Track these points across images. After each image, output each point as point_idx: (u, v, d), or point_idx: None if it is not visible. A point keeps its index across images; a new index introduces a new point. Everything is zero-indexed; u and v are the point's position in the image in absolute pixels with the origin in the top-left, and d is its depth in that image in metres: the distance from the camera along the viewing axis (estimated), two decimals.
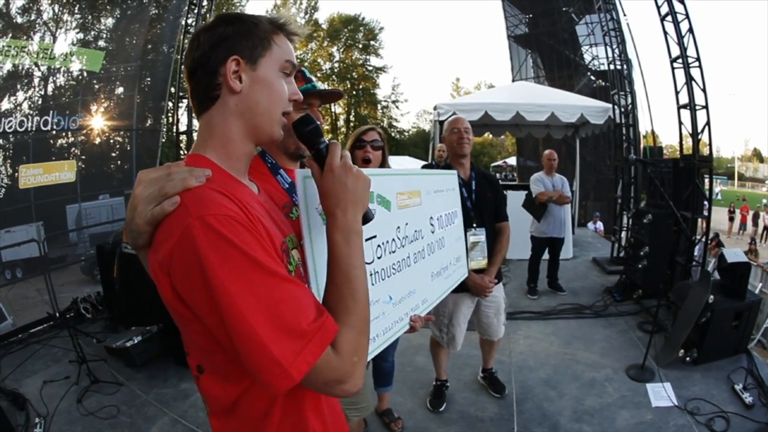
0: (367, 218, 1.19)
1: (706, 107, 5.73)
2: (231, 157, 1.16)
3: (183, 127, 8.90)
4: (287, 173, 1.90)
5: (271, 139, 1.20)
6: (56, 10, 7.43)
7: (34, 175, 6.68)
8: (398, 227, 1.86)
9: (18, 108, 7.19)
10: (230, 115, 1.13)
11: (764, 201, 30.02)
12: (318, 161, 1.15)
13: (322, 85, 1.96)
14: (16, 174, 6.63)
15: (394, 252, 1.80)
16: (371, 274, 1.62)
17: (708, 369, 4.23)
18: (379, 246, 1.69)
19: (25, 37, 6.84)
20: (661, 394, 3.88)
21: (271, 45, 1.16)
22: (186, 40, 7.87)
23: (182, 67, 1.37)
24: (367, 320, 1.09)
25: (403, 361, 4.47)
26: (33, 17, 7.09)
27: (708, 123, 5.73)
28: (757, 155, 59.33)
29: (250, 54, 1.13)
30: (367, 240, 1.57)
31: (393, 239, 1.81)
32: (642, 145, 10.82)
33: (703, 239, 6.19)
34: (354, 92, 44.21)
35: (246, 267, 0.92)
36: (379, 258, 1.70)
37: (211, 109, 1.14)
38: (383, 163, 2.88)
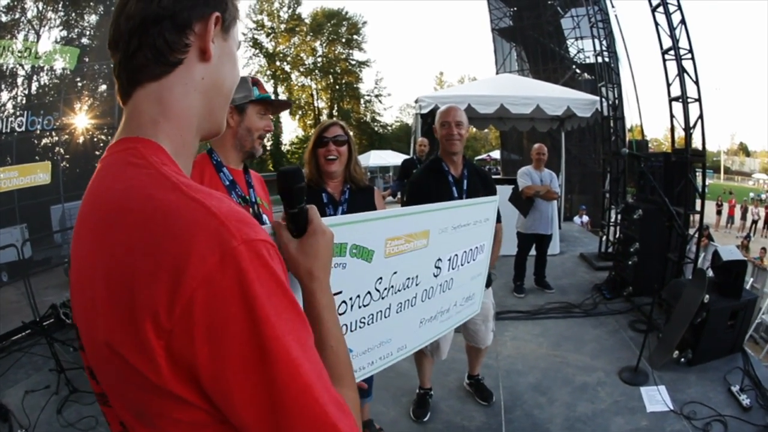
0: None
1: (698, 100, 5.58)
2: (186, 151, 0.87)
3: None
4: (229, 172, 1.92)
5: (219, 130, 0.94)
6: (40, 8, 7.22)
7: (9, 178, 6.44)
8: (380, 278, 1.62)
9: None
10: (194, 90, 0.84)
11: (751, 195, 30.39)
12: (296, 221, 1.00)
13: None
14: None
15: (366, 305, 1.59)
16: None
17: (703, 370, 4.08)
18: (344, 302, 1.49)
19: (9, 36, 6.64)
20: (656, 398, 3.71)
21: (238, 17, 0.91)
22: None
23: (120, 18, 0.79)
24: None
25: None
26: (17, 15, 6.88)
27: (701, 116, 5.59)
28: (744, 149, 60.25)
29: (227, 18, 0.87)
30: None
31: (368, 292, 1.59)
32: (627, 139, 10.71)
33: (696, 235, 6.04)
34: (337, 87, 44.38)
35: (298, 319, 0.71)
36: (342, 314, 1.49)
37: (166, 78, 0.82)
38: (350, 158, 2.68)
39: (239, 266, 0.63)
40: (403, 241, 1.68)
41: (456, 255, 2.04)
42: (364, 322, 1.61)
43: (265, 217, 2.06)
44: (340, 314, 1.46)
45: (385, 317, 1.70)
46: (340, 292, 1.48)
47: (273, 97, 2.06)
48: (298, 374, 0.66)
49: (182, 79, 0.83)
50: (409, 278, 1.76)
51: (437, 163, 3.23)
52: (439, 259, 1.93)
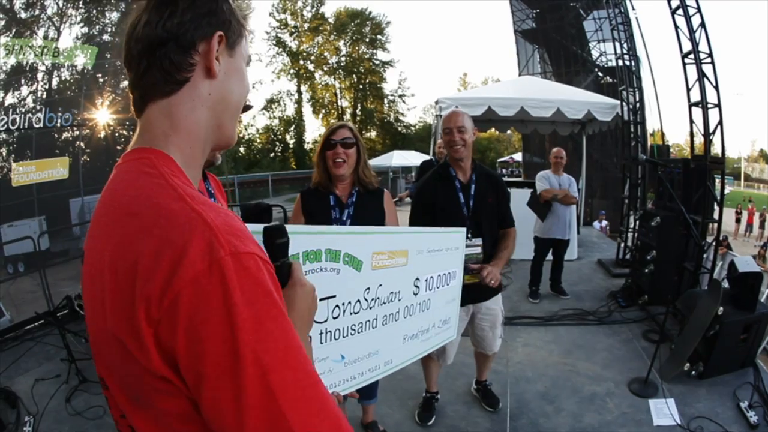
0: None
1: (718, 106, 5.46)
2: (194, 162, 0.94)
3: None
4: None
5: (230, 141, 1.00)
6: (60, 5, 7.32)
7: (27, 173, 6.59)
8: (368, 288, 1.82)
9: (18, 104, 7.10)
10: (201, 105, 0.91)
11: None
12: (278, 274, 1.00)
13: None
14: (10, 173, 6.55)
15: (356, 313, 1.78)
16: (321, 333, 1.64)
17: (714, 384, 4.00)
18: (337, 306, 1.69)
19: (29, 33, 6.76)
20: (664, 411, 3.65)
21: (244, 33, 0.97)
22: None
23: (130, 41, 0.89)
24: None
25: None
26: (37, 12, 6.98)
27: (720, 122, 5.46)
28: (764, 156, 59.09)
29: (231, 36, 0.93)
30: (323, 299, 1.59)
31: (358, 300, 1.78)
32: (649, 144, 10.54)
33: (714, 244, 5.91)
34: (360, 86, 44.46)
35: (284, 327, 0.75)
36: (335, 318, 1.69)
37: (175, 95, 0.89)
38: (359, 161, 2.66)
39: (224, 274, 0.69)
40: (387, 257, 1.88)
41: (432, 277, 2.24)
42: (354, 330, 1.77)
43: None
44: (334, 318, 1.67)
45: (373, 327, 1.86)
46: (335, 296, 1.66)
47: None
48: (267, 381, 0.69)
49: (190, 96, 0.89)
50: (392, 292, 1.95)
51: (444, 169, 3.22)
52: (417, 279, 2.13)
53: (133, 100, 0.93)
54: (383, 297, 1.90)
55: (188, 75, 0.88)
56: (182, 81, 0.88)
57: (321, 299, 1.52)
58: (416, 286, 2.13)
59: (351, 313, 1.75)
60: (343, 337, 1.73)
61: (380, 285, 1.87)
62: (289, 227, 1.66)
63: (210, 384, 0.69)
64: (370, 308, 1.84)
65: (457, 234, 2.50)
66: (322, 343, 1.65)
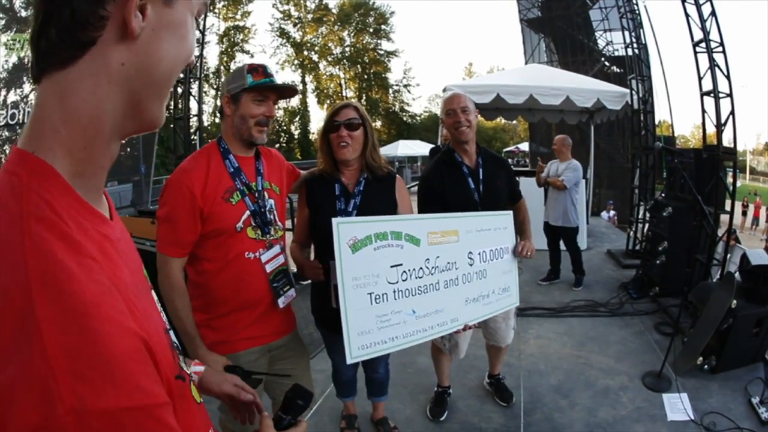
0: None
1: (730, 95, 5.38)
2: (91, 168, 0.68)
3: (194, 111, 8.74)
4: (236, 159, 2.10)
5: (151, 124, 0.74)
6: None
7: None
8: (427, 259, 2.29)
9: (20, 101, 7.12)
10: (108, 82, 0.65)
11: None
12: (278, 424, 1.20)
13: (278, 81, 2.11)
14: None
15: (420, 277, 2.25)
16: (394, 292, 2.13)
17: (726, 378, 3.96)
18: (404, 271, 2.17)
19: (29, 30, 6.85)
20: (678, 406, 3.62)
21: None
22: None
23: None
24: None
25: (404, 362, 4.27)
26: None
27: (732, 112, 5.38)
28: None
29: None
30: (393, 266, 2.13)
31: (421, 267, 2.25)
32: (656, 134, 10.44)
33: (724, 236, 5.85)
34: (365, 76, 44.41)
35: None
36: (404, 280, 2.17)
37: (73, 66, 0.63)
38: (366, 144, 2.48)
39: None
40: (440, 236, 2.36)
41: (484, 251, 2.61)
42: (421, 290, 2.24)
43: (271, 202, 2.24)
44: (402, 280, 2.17)
45: (436, 290, 2.32)
46: (401, 264, 2.15)
47: (276, 82, 2.09)
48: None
49: (93, 68, 0.64)
50: (449, 262, 2.40)
51: (449, 155, 3.09)
52: (471, 252, 2.53)
53: (30, 68, 0.67)
54: (441, 266, 2.35)
55: (95, 34, 0.62)
56: (86, 43, 0.62)
57: (392, 266, 2.11)
58: (470, 258, 2.52)
59: (416, 278, 2.22)
60: (412, 295, 2.19)
61: (437, 257, 2.32)
62: (359, 219, 2.27)
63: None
64: (431, 274, 2.29)
65: (504, 216, 2.81)
66: (395, 299, 2.12)
